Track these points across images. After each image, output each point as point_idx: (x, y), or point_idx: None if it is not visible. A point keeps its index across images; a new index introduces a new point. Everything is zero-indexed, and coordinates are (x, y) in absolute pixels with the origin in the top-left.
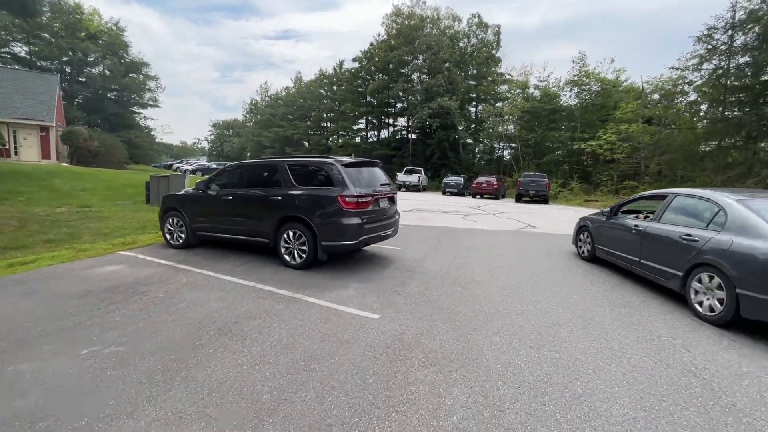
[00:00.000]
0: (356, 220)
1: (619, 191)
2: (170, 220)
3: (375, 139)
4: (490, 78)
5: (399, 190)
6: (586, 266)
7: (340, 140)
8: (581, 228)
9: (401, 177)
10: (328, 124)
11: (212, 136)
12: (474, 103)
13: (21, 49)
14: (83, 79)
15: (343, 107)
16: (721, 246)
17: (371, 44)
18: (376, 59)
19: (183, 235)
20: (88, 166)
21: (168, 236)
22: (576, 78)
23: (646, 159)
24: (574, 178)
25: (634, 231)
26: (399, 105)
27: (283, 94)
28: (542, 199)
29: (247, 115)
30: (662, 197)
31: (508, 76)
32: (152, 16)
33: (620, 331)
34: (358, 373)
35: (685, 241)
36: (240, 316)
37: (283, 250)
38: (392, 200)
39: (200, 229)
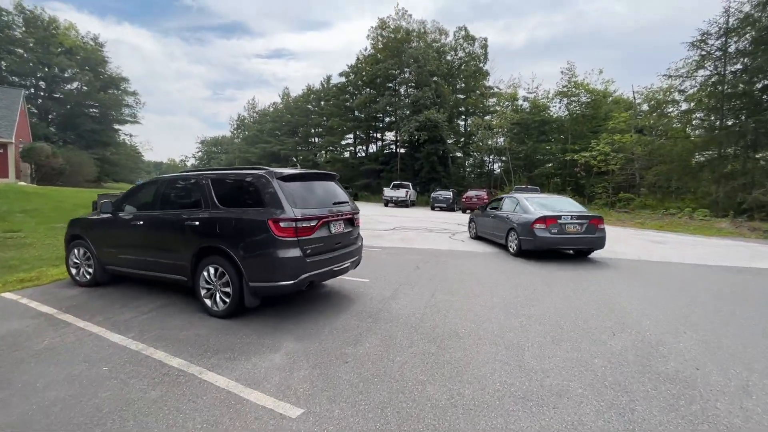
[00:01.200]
0: (295, 252)
1: (614, 204)
2: (75, 251)
3: (363, 154)
4: (478, 91)
5: (386, 205)
6: (600, 300)
7: (327, 155)
8: (471, 220)
9: (388, 192)
10: (316, 140)
11: (200, 153)
12: (463, 116)
13: None
14: (58, 95)
15: (331, 122)
16: (517, 219)
17: (358, 58)
18: (363, 73)
19: (91, 270)
20: (53, 184)
21: (74, 271)
22: (565, 89)
23: (641, 170)
24: (567, 191)
25: (490, 217)
26: (387, 119)
27: (271, 109)
28: None
29: (235, 132)
30: (501, 198)
31: (496, 89)
32: (144, 36)
33: None
34: None
35: (504, 218)
36: (73, 422)
37: (203, 291)
38: (351, 222)
39: (109, 262)
